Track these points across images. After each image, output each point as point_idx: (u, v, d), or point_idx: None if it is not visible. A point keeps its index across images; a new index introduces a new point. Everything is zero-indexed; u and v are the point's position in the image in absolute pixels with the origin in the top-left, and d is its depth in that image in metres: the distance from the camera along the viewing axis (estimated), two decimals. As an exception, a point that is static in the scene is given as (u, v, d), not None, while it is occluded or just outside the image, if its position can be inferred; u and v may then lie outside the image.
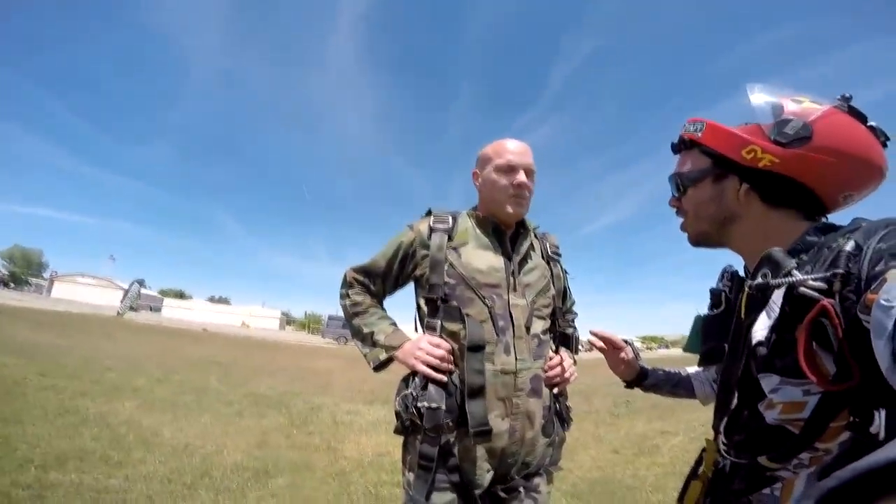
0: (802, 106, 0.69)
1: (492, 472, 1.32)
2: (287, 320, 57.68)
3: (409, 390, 1.29)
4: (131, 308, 30.39)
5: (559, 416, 1.45)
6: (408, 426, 1.29)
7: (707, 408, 1.01)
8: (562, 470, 1.54)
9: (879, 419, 0.58)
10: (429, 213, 1.43)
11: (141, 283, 32.49)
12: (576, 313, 1.68)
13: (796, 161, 0.68)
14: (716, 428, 0.86)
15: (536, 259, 1.44)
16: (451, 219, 1.40)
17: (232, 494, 2.56)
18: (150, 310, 42.65)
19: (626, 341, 1.28)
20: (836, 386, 0.60)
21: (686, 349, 1.08)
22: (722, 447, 0.80)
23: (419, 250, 1.37)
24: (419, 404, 1.25)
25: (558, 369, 1.38)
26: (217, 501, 2.41)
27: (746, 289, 0.71)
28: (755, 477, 0.75)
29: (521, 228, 1.45)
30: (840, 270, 0.60)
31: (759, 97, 0.72)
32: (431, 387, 1.26)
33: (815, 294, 0.61)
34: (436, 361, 1.26)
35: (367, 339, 1.42)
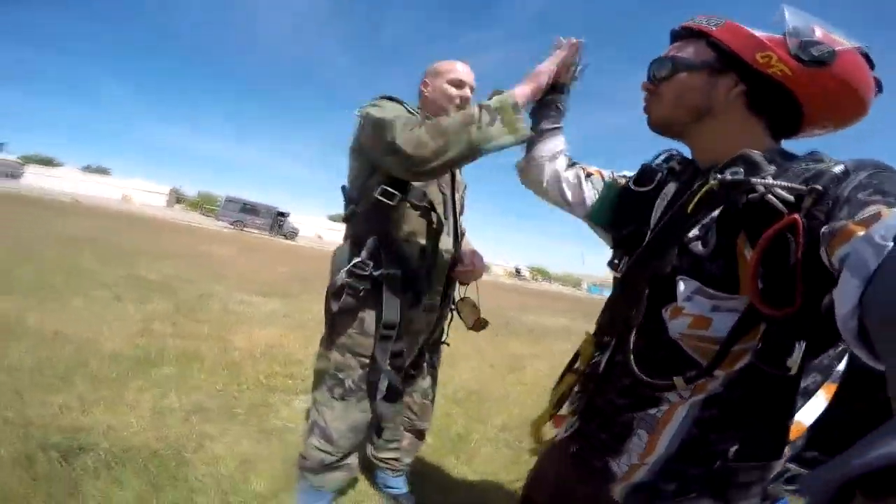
0: (832, 36, 0.70)
1: (418, 347, 1.58)
2: (177, 198, 52.69)
3: (363, 258, 1.35)
4: (-17, 176, 25.68)
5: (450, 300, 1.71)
6: (362, 295, 1.36)
7: (572, 339, 1.08)
8: (448, 346, 1.78)
9: (798, 352, 0.58)
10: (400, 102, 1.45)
11: (-1, 145, 27.23)
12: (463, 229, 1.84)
13: (807, 79, 0.69)
14: (604, 323, 0.87)
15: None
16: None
17: (112, 384, 2.52)
18: (7, 176, 36.36)
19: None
20: (776, 310, 0.59)
21: (591, 216, 1.02)
22: (631, 359, 0.76)
23: None
24: (375, 272, 1.35)
25: (471, 266, 1.61)
26: (96, 392, 2.38)
27: (711, 181, 0.69)
28: (642, 396, 0.76)
29: None
30: (818, 187, 0.59)
31: (795, 16, 0.71)
32: (385, 255, 1.37)
33: (780, 205, 0.60)
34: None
35: (493, 110, 1.09)
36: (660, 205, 0.87)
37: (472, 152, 1.09)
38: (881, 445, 0.24)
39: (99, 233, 10.25)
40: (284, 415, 2.58)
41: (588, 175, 1.06)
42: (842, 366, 0.66)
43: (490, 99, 1.11)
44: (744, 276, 0.63)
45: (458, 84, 1.51)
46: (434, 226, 1.45)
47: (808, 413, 0.65)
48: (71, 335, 3.22)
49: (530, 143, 1.14)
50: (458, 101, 1.49)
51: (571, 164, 1.10)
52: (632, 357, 0.75)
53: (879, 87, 0.71)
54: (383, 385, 1.42)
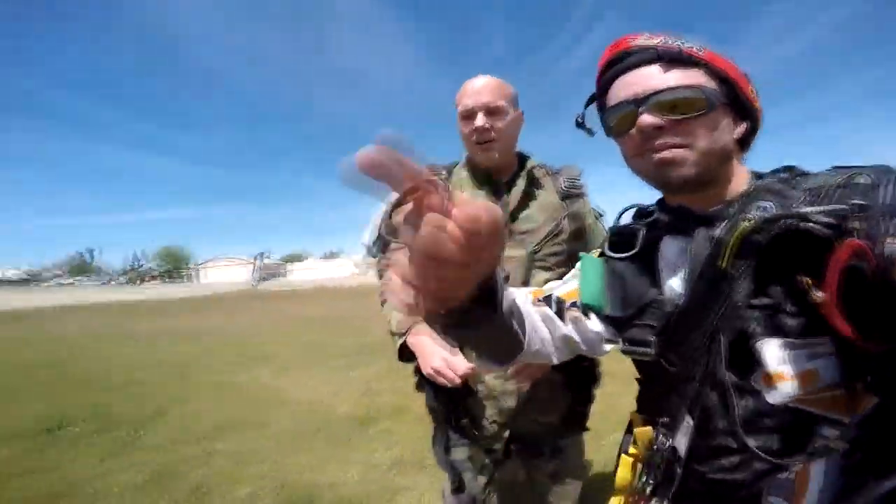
0: None
1: (507, 432, 1.36)
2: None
3: None
4: (262, 279, 35.33)
5: (581, 375, 1.40)
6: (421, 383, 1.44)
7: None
8: (589, 430, 1.50)
9: None
10: None
11: (263, 254, 37.64)
12: None
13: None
14: (658, 404, 0.75)
15: (542, 200, 1.35)
16: (445, 172, 1.39)
17: (341, 443, 3.15)
18: (276, 276, 47.92)
19: None
20: (874, 342, 0.52)
21: (587, 301, 0.78)
22: (741, 433, 0.63)
23: None
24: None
25: None
26: (329, 450, 3.01)
27: (746, 224, 0.59)
28: (762, 468, 0.64)
29: (520, 171, 1.36)
30: (861, 202, 0.52)
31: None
32: None
33: (826, 231, 0.53)
34: (443, 381, 1.23)
35: (392, 332, 1.37)
36: (668, 265, 0.73)
37: None
38: None
39: (335, 312, 12.63)
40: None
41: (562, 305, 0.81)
42: None
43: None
44: (829, 317, 0.54)
45: (467, 115, 1.26)
46: None
47: None
48: (316, 401, 4.11)
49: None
50: (473, 137, 1.26)
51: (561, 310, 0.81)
52: (741, 431, 0.63)
53: None
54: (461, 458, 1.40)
